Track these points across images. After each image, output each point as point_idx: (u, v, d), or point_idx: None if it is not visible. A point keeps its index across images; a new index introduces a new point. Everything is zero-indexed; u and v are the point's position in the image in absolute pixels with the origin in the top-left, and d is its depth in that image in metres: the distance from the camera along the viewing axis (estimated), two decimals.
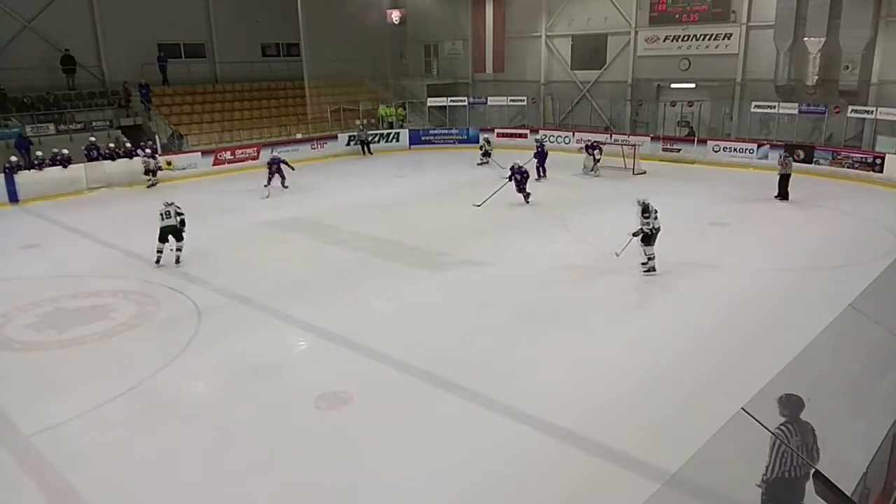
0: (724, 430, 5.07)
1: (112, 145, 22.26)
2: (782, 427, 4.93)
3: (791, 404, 4.99)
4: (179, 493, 6.53)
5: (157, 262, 13.16)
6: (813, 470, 4.89)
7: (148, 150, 22.17)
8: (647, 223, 11.90)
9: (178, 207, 13.22)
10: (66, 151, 20.71)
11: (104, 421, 7.79)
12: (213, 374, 9.15)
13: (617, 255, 12.46)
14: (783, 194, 18.00)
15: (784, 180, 18.03)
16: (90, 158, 21.26)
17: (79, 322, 10.62)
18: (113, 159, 21.72)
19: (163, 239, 13.08)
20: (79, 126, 23.53)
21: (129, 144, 22.72)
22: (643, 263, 12.19)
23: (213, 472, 6.84)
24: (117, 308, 11.17)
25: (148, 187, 21.44)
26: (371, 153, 27.57)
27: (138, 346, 9.82)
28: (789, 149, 19.65)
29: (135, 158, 21.84)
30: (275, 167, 20.40)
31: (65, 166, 20.43)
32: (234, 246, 14.89)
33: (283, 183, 20.56)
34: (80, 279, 12.70)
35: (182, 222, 13.22)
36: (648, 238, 11.98)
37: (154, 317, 10.84)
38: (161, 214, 13.06)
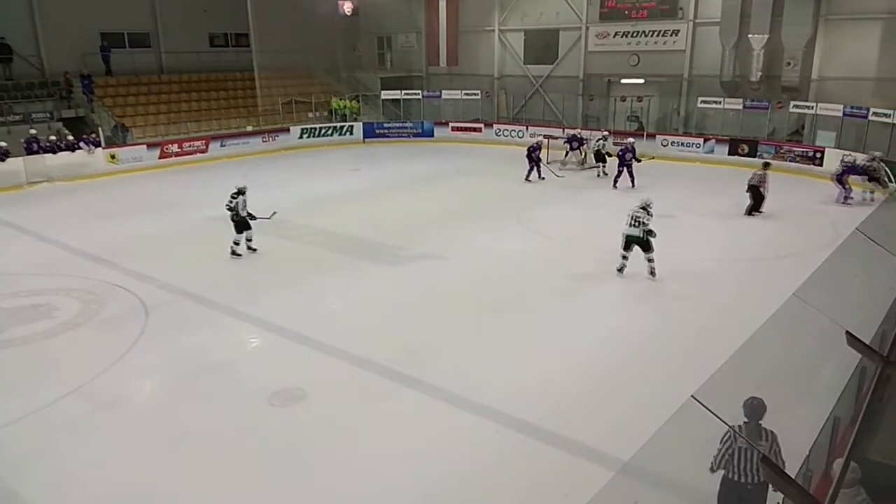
0: (674, 418, 5.20)
1: (53, 138, 21.48)
2: (733, 427, 4.92)
3: (750, 408, 4.97)
4: (129, 494, 6.36)
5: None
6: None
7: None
8: None
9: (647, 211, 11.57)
10: (3, 144, 19.92)
11: (49, 423, 7.53)
12: (162, 372, 8.93)
13: None
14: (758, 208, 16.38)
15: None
16: (30, 151, 20.51)
17: (20, 322, 10.24)
18: (54, 152, 21.01)
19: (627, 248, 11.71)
20: (17, 118, 22.62)
21: (70, 137, 22.03)
22: None
23: (163, 472, 6.68)
24: (60, 306, 10.80)
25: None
26: None
27: (83, 346, 9.51)
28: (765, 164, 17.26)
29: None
30: None
31: (2, 160, 19.64)
32: (182, 241, 14.54)
33: None
34: (20, 277, 12.25)
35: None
36: None
37: (99, 315, 10.51)
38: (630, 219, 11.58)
